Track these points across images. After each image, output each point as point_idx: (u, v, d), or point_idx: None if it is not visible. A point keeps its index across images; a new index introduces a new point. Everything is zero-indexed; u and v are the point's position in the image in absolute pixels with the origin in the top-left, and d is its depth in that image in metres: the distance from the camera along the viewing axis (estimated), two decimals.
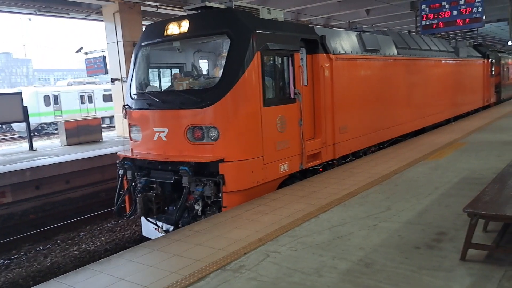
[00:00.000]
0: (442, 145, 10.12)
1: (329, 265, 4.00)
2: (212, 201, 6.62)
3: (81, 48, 19.19)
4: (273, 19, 7.78)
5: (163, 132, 7.03)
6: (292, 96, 7.37)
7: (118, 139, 17.42)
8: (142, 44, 7.77)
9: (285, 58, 7.27)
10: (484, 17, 10.74)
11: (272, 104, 6.95)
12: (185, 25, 7.06)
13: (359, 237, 4.65)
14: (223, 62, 6.70)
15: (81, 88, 33.50)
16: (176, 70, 8.01)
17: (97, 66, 19.48)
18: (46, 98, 30.57)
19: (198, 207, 6.69)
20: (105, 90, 33.89)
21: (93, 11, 18.10)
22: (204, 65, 7.53)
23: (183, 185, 6.57)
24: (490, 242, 4.06)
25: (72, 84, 35.14)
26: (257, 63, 6.65)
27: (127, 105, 7.75)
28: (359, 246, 4.39)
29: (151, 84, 7.89)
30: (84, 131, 16.49)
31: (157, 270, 4.20)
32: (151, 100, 7.21)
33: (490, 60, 19.07)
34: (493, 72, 19.65)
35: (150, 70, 8.01)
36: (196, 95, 6.81)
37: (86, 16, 18.34)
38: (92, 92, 33.42)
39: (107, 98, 33.46)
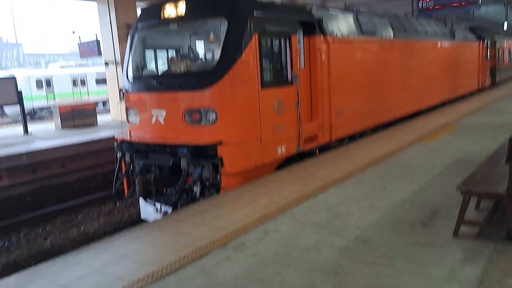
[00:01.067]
0: (436, 127, 10.24)
1: (327, 242, 4.12)
2: (211, 183, 6.71)
3: (74, 31, 18.94)
4: (270, 1, 7.77)
5: (161, 114, 7.07)
6: (289, 78, 7.41)
7: (113, 123, 17.40)
8: (139, 26, 7.75)
9: (282, 40, 7.29)
10: (480, 0, 10.78)
11: (269, 87, 7.00)
12: (182, 7, 7.04)
13: (356, 216, 4.78)
14: (221, 44, 6.71)
15: (74, 72, 33.25)
16: (174, 53, 8.01)
17: (90, 49, 19.30)
18: (39, 81, 30.34)
19: (196, 189, 6.79)
20: (98, 73, 33.68)
21: None
22: (201, 48, 7.54)
23: (181, 167, 6.66)
24: (481, 220, 4.20)
25: (64, 68, 34.86)
26: (254, 46, 6.67)
27: (124, 87, 7.77)
28: (355, 225, 4.52)
29: (148, 67, 7.89)
30: (79, 115, 16.44)
31: (159, 249, 4.31)
32: (148, 82, 7.24)
33: (485, 43, 19.11)
34: (488, 55, 19.71)
35: (147, 52, 8.00)
36: (194, 77, 6.85)
37: None
38: (85, 75, 33.19)
39: (100, 81, 33.31)
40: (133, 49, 7.79)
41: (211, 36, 7.18)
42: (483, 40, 18.84)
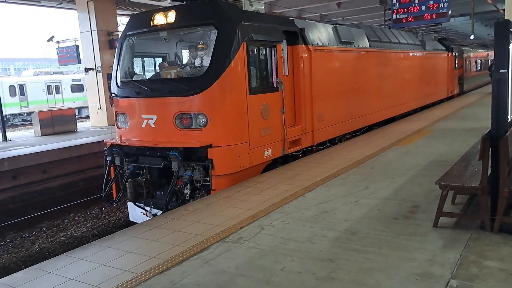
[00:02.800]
0: (411, 132, 10.80)
1: (319, 234, 4.46)
2: (201, 185, 6.96)
3: (53, 37, 18.87)
4: (255, 11, 8.15)
5: (152, 119, 7.29)
6: (275, 85, 7.77)
7: (93, 129, 17.38)
8: (128, 33, 7.96)
9: (268, 48, 7.65)
10: (450, 12, 11.48)
11: (256, 92, 7.34)
12: (172, 16, 7.31)
13: (343, 211, 5.14)
14: (211, 51, 7.01)
15: (48, 78, 32.74)
16: (164, 60, 8.26)
17: (69, 55, 19.22)
18: (12, 88, 29.76)
19: (187, 191, 7.02)
20: (73, 80, 33.30)
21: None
22: (191, 55, 7.81)
23: (172, 170, 6.88)
24: (458, 212, 4.63)
25: (38, 74, 34.29)
26: (243, 53, 7.01)
27: (113, 93, 7.95)
28: (344, 219, 4.87)
29: (138, 73, 8.10)
30: (58, 121, 16.37)
31: (161, 244, 4.54)
32: (139, 88, 7.45)
33: (453, 53, 20.08)
34: (456, 65, 20.70)
35: (136, 59, 8.21)
36: (185, 83, 7.11)
37: (57, 5, 18.05)
38: (59, 82, 32.72)
39: (75, 88, 32.94)
40: (122, 56, 7.99)
41: (201, 43, 7.47)
42: (451, 50, 19.80)
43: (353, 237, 4.33)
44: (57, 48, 19.78)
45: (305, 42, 8.65)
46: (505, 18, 9.20)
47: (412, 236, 4.26)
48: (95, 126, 18.27)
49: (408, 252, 3.89)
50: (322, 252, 4.03)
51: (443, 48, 19.18)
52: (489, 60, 30.84)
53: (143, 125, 7.38)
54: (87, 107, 21.34)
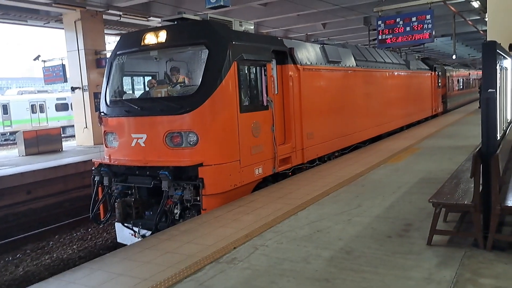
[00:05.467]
0: (399, 150, 10.91)
1: (314, 254, 4.43)
2: (191, 205, 6.89)
3: (39, 56, 18.75)
4: (245, 31, 8.24)
5: (142, 138, 7.23)
6: (265, 103, 7.81)
7: (78, 149, 17.16)
8: (118, 52, 7.95)
9: (258, 68, 7.71)
10: (434, 33, 11.77)
11: (247, 111, 7.35)
12: (163, 35, 7.34)
13: (337, 230, 5.12)
14: (202, 71, 7.04)
15: (32, 97, 32.39)
16: (154, 78, 8.24)
17: (55, 74, 19.08)
18: None
19: (177, 210, 6.93)
20: (58, 99, 33.00)
21: (53, 19, 17.83)
22: (182, 74, 7.82)
23: (162, 189, 6.80)
24: (451, 230, 4.65)
25: (22, 93, 33.92)
26: (233, 72, 7.05)
27: (102, 112, 7.88)
28: (338, 238, 4.85)
29: (127, 92, 8.06)
30: (43, 141, 16.12)
31: (153, 265, 4.45)
32: (129, 107, 7.40)
33: (437, 72, 20.52)
34: (439, 84, 21.13)
35: (126, 78, 8.19)
36: (176, 102, 7.09)
37: (44, 24, 18.02)
38: (44, 101, 32.39)
39: (60, 107, 32.62)
40: (112, 74, 7.96)
41: (192, 63, 7.49)
42: (435, 70, 20.23)
43: (348, 256, 4.30)
44: (43, 67, 19.63)
45: (294, 62, 8.74)
46: (488, 39, 9.48)
47: (407, 254, 4.26)
48: (81, 145, 18.05)
49: (404, 271, 3.88)
50: (318, 271, 3.99)
51: (427, 67, 19.59)
52: (471, 79, 31.61)
53: (133, 144, 7.31)
54: (72, 126, 21.14)
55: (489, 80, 4.46)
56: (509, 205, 4.26)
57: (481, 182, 4.34)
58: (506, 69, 7.34)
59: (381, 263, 4.09)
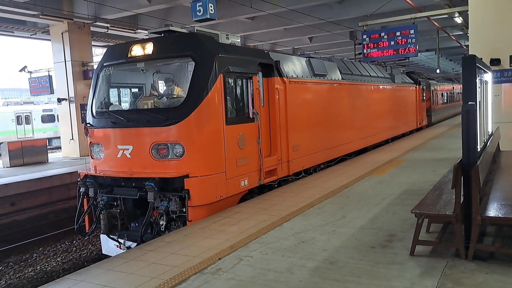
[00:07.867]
0: (383, 162, 11.04)
1: (298, 264, 4.45)
2: (177, 216, 6.87)
3: (25, 67, 18.63)
4: (231, 44, 8.32)
5: (128, 149, 7.22)
6: (251, 115, 7.86)
7: (64, 160, 16.99)
8: (105, 64, 7.96)
9: (244, 80, 7.79)
10: (417, 47, 12.03)
11: (233, 123, 7.40)
12: (149, 47, 7.38)
13: (321, 241, 5.16)
14: (188, 83, 7.08)
15: (18, 109, 32.05)
16: (140, 90, 8.26)
17: (41, 85, 18.95)
18: None
19: (162, 222, 6.90)
20: (44, 110, 32.69)
21: (39, 30, 17.77)
22: (169, 86, 7.86)
23: (148, 200, 6.77)
24: (433, 240, 4.72)
25: (8, 104, 33.54)
26: (220, 85, 7.11)
27: (89, 123, 7.85)
28: (322, 248, 4.89)
29: (113, 103, 8.06)
30: (29, 152, 15.93)
31: (138, 277, 4.42)
32: (115, 118, 7.39)
33: (421, 86, 20.87)
34: (424, 98, 21.48)
35: (113, 89, 8.19)
36: (162, 113, 7.11)
37: (31, 35, 17.94)
38: (30, 112, 32.05)
39: (46, 118, 32.30)
40: (98, 86, 7.95)
41: (179, 75, 7.54)
42: (419, 84, 20.58)
43: (332, 267, 4.33)
44: (29, 78, 19.49)
45: (280, 74, 8.84)
46: (470, 53, 9.73)
47: (390, 264, 4.31)
48: (67, 156, 17.88)
49: (387, 281, 3.92)
50: (302, 282, 4.01)
51: (411, 81, 19.91)
52: (455, 93, 32.18)
53: (119, 155, 7.29)
54: (58, 137, 20.92)
55: (469, 92, 4.58)
56: (490, 215, 4.34)
57: (462, 193, 4.43)
58: (487, 82, 7.54)
59: (364, 273, 4.13)
